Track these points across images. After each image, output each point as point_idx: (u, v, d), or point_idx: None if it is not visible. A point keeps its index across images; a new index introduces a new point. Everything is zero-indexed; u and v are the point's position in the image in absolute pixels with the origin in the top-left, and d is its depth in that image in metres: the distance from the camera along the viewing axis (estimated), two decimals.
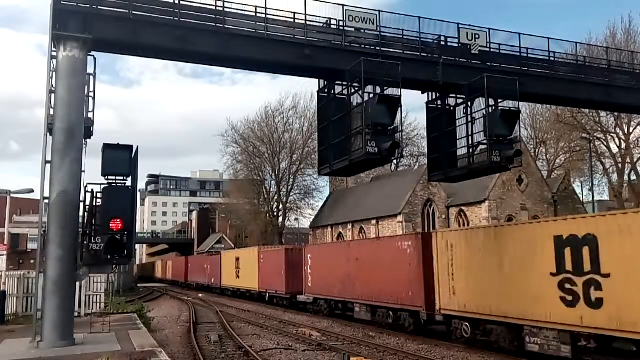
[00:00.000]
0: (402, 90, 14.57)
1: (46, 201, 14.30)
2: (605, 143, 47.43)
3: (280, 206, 69.65)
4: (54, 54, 14.57)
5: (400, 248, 20.86)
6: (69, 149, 14.28)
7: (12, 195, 27.18)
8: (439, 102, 18.22)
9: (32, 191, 28.10)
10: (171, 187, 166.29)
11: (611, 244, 12.73)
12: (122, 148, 14.89)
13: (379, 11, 16.75)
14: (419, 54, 17.30)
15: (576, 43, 20.73)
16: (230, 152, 70.89)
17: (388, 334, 20.62)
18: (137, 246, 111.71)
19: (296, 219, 71.66)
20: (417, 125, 68.18)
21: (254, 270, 37.56)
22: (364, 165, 16.01)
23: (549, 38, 19.41)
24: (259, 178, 70.55)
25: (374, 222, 54.84)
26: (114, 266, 17.41)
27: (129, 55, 31.73)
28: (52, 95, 14.61)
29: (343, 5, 16.29)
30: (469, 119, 16.94)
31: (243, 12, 15.92)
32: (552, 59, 19.36)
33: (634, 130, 45.40)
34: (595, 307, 12.95)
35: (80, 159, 14.69)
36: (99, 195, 14.72)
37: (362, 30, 16.55)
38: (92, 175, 16.00)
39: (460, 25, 17.61)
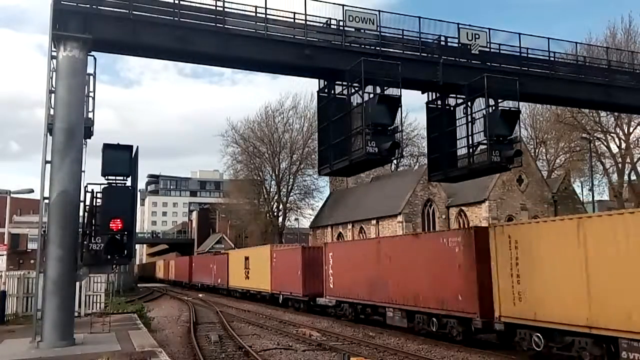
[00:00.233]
0: (402, 90, 14.62)
1: (46, 201, 14.31)
2: (605, 143, 47.48)
3: (280, 206, 69.63)
4: (54, 54, 14.59)
5: (446, 245, 18.45)
6: (69, 149, 14.29)
7: (12, 195, 27.19)
8: (439, 102, 18.26)
9: (32, 191, 28.15)
10: (171, 187, 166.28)
11: None
12: (122, 148, 14.89)
13: (379, 11, 16.79)
14: (419, 54, 17.33)
15: (576, 43, 20.82)
16: (230, 152, 71.05)
17: (388, 334, 20.63)
18: (137, 246, 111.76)
19: (296, 219, 71.80)
20: (417, 125, 68.31)
21: (265, 270, 35.57)
22: (364, 165, 16.04)
23: (549, 38, 19.49)
24: (259, 178, 70.55)
25: (374, 222, 54.84)
26: (114, 266, 17.43)
27: (129, 55, 31.74)
28: (52, 95, 14.62)
29: (343, 5, 16.33)
30: (469, 119, 16.97)
31: (243, 12, 15.95)
32: (552, 59, 19.39)
33: (634, 130, 45.44)
34: None
35: (80, 159, 14.70)
36: (99, 195, 14.72)
37: (362, 30, 16.58)
38: (92, 175, 16.06)
39: (460, 25, 17.65)
